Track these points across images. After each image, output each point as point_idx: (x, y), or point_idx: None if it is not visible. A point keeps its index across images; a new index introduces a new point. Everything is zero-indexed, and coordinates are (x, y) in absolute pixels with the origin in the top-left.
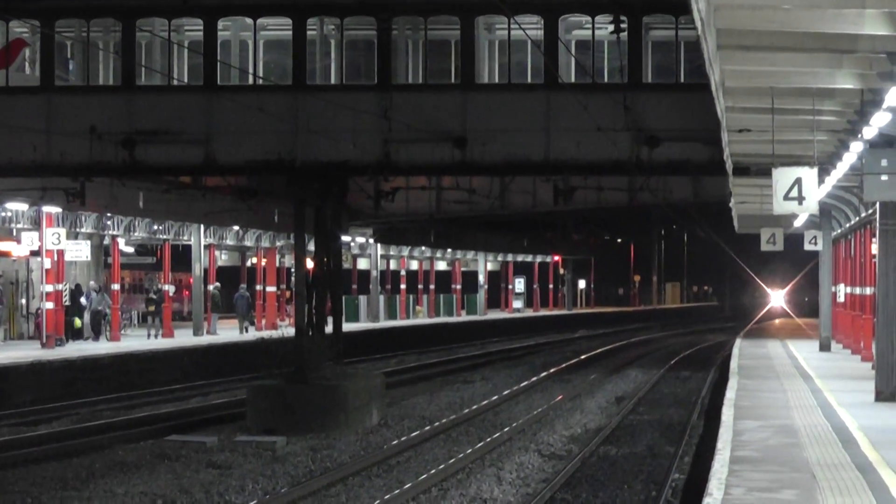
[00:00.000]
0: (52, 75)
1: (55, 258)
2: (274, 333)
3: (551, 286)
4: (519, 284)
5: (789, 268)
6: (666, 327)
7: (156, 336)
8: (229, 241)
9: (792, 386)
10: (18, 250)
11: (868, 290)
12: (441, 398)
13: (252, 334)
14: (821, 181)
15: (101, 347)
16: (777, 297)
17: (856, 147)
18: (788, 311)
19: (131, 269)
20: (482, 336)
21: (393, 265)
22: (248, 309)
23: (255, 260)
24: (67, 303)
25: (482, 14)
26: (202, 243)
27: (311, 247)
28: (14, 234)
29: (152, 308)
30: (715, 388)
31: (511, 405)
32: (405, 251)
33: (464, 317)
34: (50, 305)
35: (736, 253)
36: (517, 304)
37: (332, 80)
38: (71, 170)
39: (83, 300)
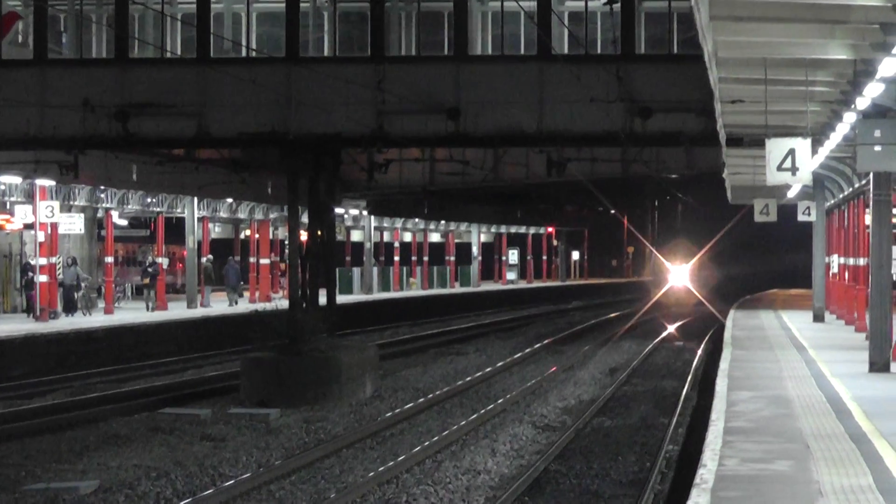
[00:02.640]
0: (45, 48)
1: (49, 231)
2: (268, 306)
3: (545, 258)
4: (513, 256)
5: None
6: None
7: (152, 309)
8: (223, 214)
9: (785, 356)
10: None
11: (861, 261)
12: (435, 370)
13: (243, 306)
14: (814, 152)
15: (95, 321)
16: (678, 274)
17: (849, 117)
18: (697, 293)
19: (125, 241)
20: (476, 308)
21: (386, 237)
22: (237, 281)
23: (248, 232)
24: (60, 276)
25: None
26: (196, 216)
27: (305, 219)
28: (7, 207)
29: (147, 281)
30: (709, 358)
31: (505, 376)
32: (399, 223)
33: (457, 288)
34: (43, 278)
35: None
36: (511, 275)
37: (326, 53)
38: (64, 143)
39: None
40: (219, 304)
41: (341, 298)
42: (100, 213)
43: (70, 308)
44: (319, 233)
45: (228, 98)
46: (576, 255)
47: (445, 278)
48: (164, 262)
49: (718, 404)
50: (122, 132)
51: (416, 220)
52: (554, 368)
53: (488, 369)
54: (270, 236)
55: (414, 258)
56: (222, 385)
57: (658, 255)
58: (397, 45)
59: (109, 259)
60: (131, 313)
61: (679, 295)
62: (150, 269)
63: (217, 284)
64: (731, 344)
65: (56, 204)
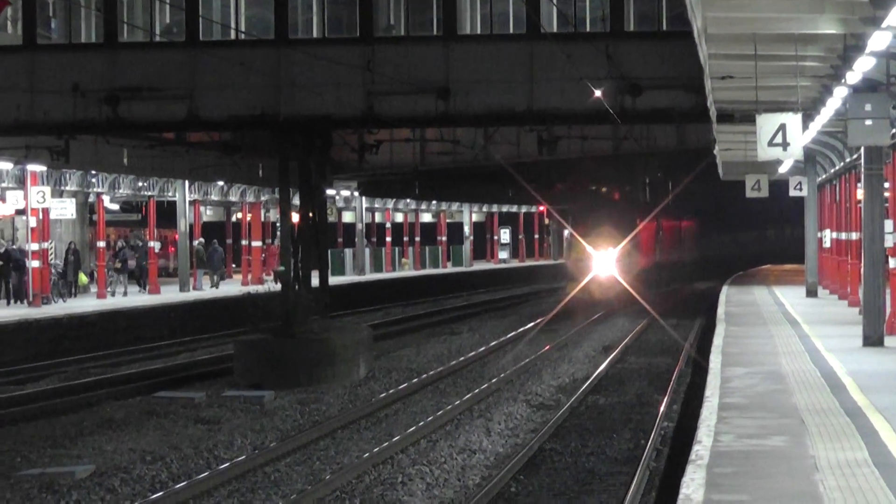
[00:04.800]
0: (34, 33)
1: (40, 216)
2: (260, 288)
3: (537, 236)
4: (504, 235)
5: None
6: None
7: (123, 294)
8: (214, 197)
9: (779, 332)
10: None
11: (854, 236)
12: (428, 350)
13: (223, 289)
14: (805, 127)
15: (88, 305)
16: (605, 261)
17: (840, 92)
18: (627, 285)
19: (116, 226)
20: (468, 287)
21: (378, 218)
22: (221, 263)
23: (240, 215)
24: (53, 260)
25: None
26: (187, 199)
27: (296, 201)
28: None
29: (118, 266)
30: (703, 334)
31: (499, 356)
32: (390, 204)
33: (449, 268)
34: (36, 264)
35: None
36: (503, 254)
37: (315, 34)
38: (55, 128)
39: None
40: (211, 287)
41: (334, 280)
42: (91, 198)
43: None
44: (311, 214)
45: (218, 81)
46: (567, 233)
47: (437, 258)
48: (155, 245)
49: (713, 380)
50: (113, 116)
51: (408, 200)
52: (548, 347)
53: (482, 348)
54: (262, 218)
55: (406, 238)
56: (216, 368)
57: (575, 234)
58: (386, 26)
59: (101, 243)
60: (118, 298)
61: (604, 289)
62: (119, 254)
63: (207, 267)
64: (724, 320)
65: (47, 189)
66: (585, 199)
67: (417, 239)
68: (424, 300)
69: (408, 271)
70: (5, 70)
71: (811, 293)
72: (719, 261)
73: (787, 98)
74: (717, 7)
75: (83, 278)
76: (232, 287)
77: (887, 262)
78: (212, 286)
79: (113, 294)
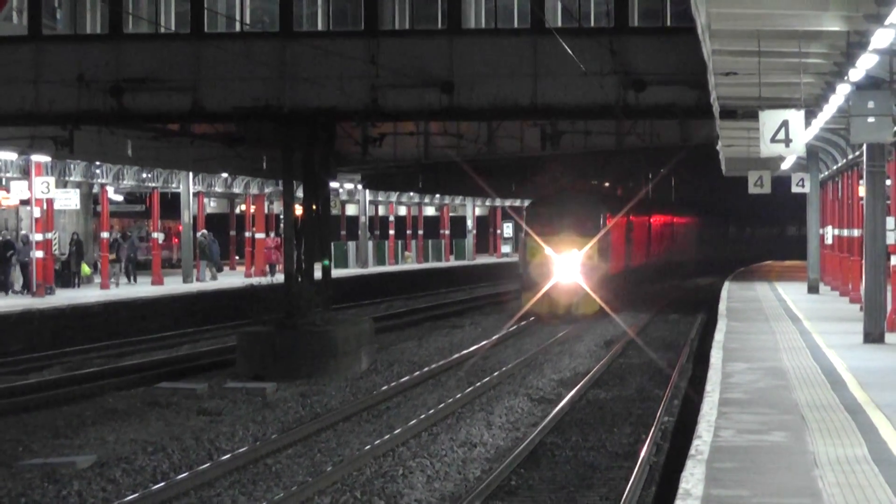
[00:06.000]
0: (39, 24)
1: (44, 207)
2: (263, 280)
3: None
4: (507, 229)
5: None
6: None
7: (116, 284)
8: (218, 189)
9: (781, 328)
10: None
11: (856, 232)
12: (430, 343)
13: (224, 280)
14: (808, 123)
15: (92, 296)
16: (568, 267)
17: (842, 89)
18: (594, 295)
19: (120, 217)
20: (471, 281)
21: (381, 211)
22: (217, 255)
23: (243, 207)
24: (56, 251)
25: None
26: (191, 191)
27: (300, 193)
28: (3, 183)
29: (113, 256)
30: (704, 330)
31: (500, 349)
32: (393, 197)
33: (452, 262)
34: (39, 254)
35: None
36: (506, 248)
37: (319, 27)
38: (59, 118)
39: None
40: (210, 279)
41: (336, 272)
42: (95, 189)
43: (28, 287)
44: (314, 207)
45: (223, 72)
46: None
47: (440, 252)
48: (159, 237)
49: (713, 376)
50: (117, 107)
51: (411, 193)
52: (550, 341)
53: (484, 342)
54: (266, 211)
55: (409, 232)
56: (218, 359)
57: (533, 234)
58: (391, 19)
59: (105, 234)
60: (124, 289)
61: (568, 298)
62: (112, 246)
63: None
64: (725, 316)
65: (51, 180)
66: (544, 192)
67: (420, 232)
68: (427, 293)
69: (411, 264)
70: (10, 60)
71: (813, 290)
72: (722, 260)
73: (790, 95)
74: (720, 3)
75: (86, 269)
76: (235, 279)
77: (889, 259)
78: (211, 277)
79: (117, 285)
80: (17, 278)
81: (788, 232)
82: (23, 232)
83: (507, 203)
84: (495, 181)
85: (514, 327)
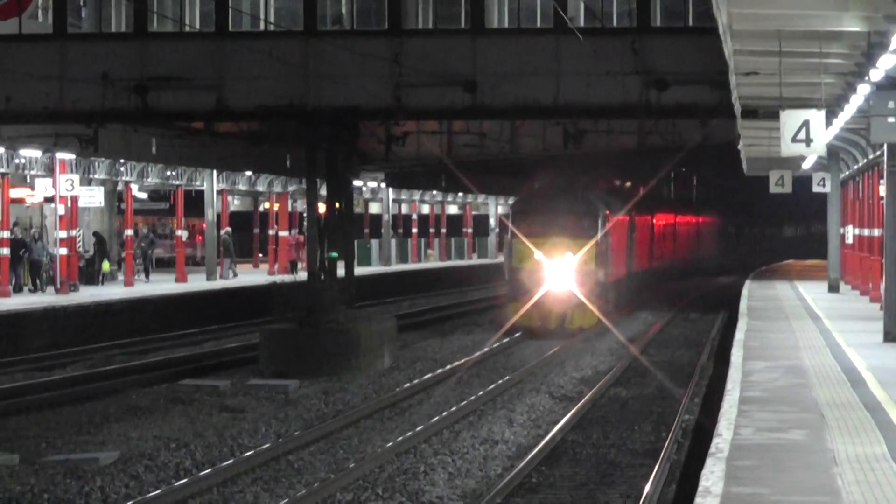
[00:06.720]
0: (64, 22)
1: (69, 204)
2: (286, 278)
3: None
4: None
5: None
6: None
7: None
8: (242, 187)
9: (801, 326)
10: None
11: (876, 232)
12: (452, 341)
13: (244, 278)
14: (828, 123)
15: (115, 293)
16: (561, 273)
17: (863, 89)
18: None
19: (145, 214)
20: (493, 279)
21: (404, 209)
22: (234, 254)
23: (267, 205)
24: (80, 248)
25: None
26: (215, 188)
27: (323, 191)
28: (28, 180)
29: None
30: (725, 329)
31: (522, 347)
32: (416, 195)
33: (475, 260)
34: (63, 251)
35: None
36: None
37: (343, 26)
38: (84, 116)
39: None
40: (240, 276)
41: (360, 270)
42: (119, 187)
43: (36, 286)
44: (338, 205)
45: (247, 71)
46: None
47: (463, 250)
48: (183, 234)
49: (734, 374)
50: (142, 106)
51: (434, 192)
52: (571, 338)
53: (506, 340)
54: (289, 209)
55: (432, 230)
56: (241, 357)
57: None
58: (414, 18)
59: (129, 232)
60: (148, 286)
61: (561, 308)
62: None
63: (235, 256)
64: (746, 314)
65: (76, 177)
66: (534, 191)
67: (443, 230)
68: (449, 291)
69: (433, 262)
70: (36, 58)
71: (833, 289)
72: (742, 263)
73: (810, 95)
74: (742, 3)
75: (106, 266)
76: (258, 276)
77: None
78: (232, 276)
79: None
80: (27, 277)
81: (811, 230)
82: (33, 230)
83: None
84: (517, 180)
85: (497, 344)
